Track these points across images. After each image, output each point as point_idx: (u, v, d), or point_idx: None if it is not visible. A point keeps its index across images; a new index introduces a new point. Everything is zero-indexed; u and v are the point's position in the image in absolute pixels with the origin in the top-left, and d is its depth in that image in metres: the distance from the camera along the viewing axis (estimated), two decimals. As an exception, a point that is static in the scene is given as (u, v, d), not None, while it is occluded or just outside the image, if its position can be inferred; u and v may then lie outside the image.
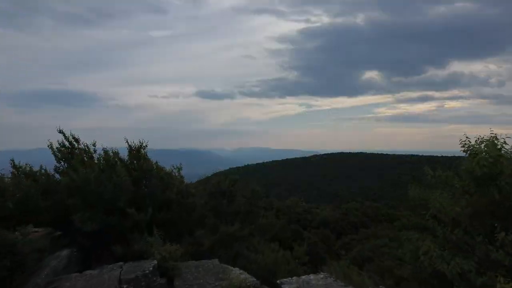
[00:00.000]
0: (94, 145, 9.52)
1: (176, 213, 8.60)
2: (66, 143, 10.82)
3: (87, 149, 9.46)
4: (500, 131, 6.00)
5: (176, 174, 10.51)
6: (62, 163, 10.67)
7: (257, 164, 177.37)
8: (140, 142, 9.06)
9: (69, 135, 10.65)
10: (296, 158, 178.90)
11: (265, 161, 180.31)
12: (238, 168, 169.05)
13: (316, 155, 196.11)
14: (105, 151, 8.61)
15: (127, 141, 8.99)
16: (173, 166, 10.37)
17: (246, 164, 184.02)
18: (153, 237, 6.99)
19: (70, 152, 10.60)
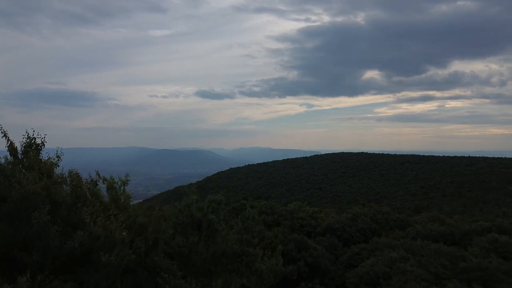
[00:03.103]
0: None
1: (93, 276, 4.35)
2: None
3: None
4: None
5: (120, 191, 6.23)
6: None
7: (257, 164, 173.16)
8: (29, 138, 4.76)
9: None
10: (296, 158, 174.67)
11: (265, 161, 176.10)
12: (238, 168, 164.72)
13: (317, 155, 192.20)
14: None
15: (5, 135, 4.72)
16: (112, 179, 6.08)
17: (246, 164, 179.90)
18: None
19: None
